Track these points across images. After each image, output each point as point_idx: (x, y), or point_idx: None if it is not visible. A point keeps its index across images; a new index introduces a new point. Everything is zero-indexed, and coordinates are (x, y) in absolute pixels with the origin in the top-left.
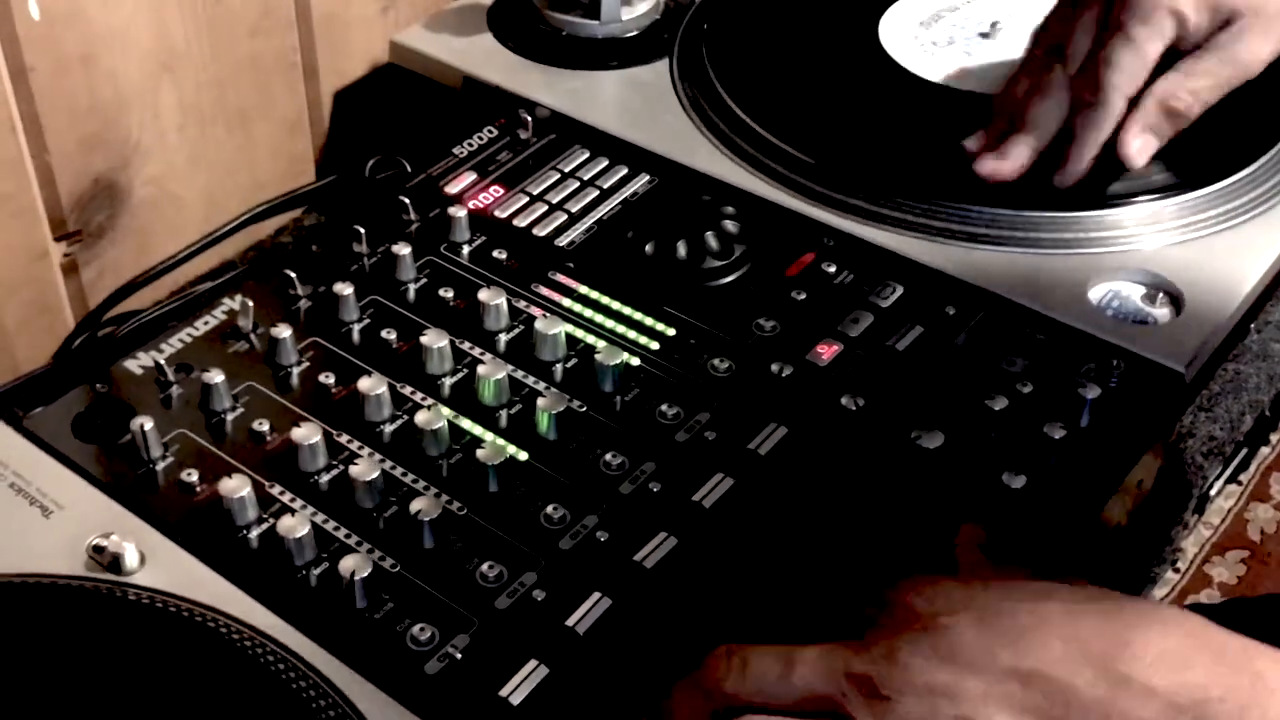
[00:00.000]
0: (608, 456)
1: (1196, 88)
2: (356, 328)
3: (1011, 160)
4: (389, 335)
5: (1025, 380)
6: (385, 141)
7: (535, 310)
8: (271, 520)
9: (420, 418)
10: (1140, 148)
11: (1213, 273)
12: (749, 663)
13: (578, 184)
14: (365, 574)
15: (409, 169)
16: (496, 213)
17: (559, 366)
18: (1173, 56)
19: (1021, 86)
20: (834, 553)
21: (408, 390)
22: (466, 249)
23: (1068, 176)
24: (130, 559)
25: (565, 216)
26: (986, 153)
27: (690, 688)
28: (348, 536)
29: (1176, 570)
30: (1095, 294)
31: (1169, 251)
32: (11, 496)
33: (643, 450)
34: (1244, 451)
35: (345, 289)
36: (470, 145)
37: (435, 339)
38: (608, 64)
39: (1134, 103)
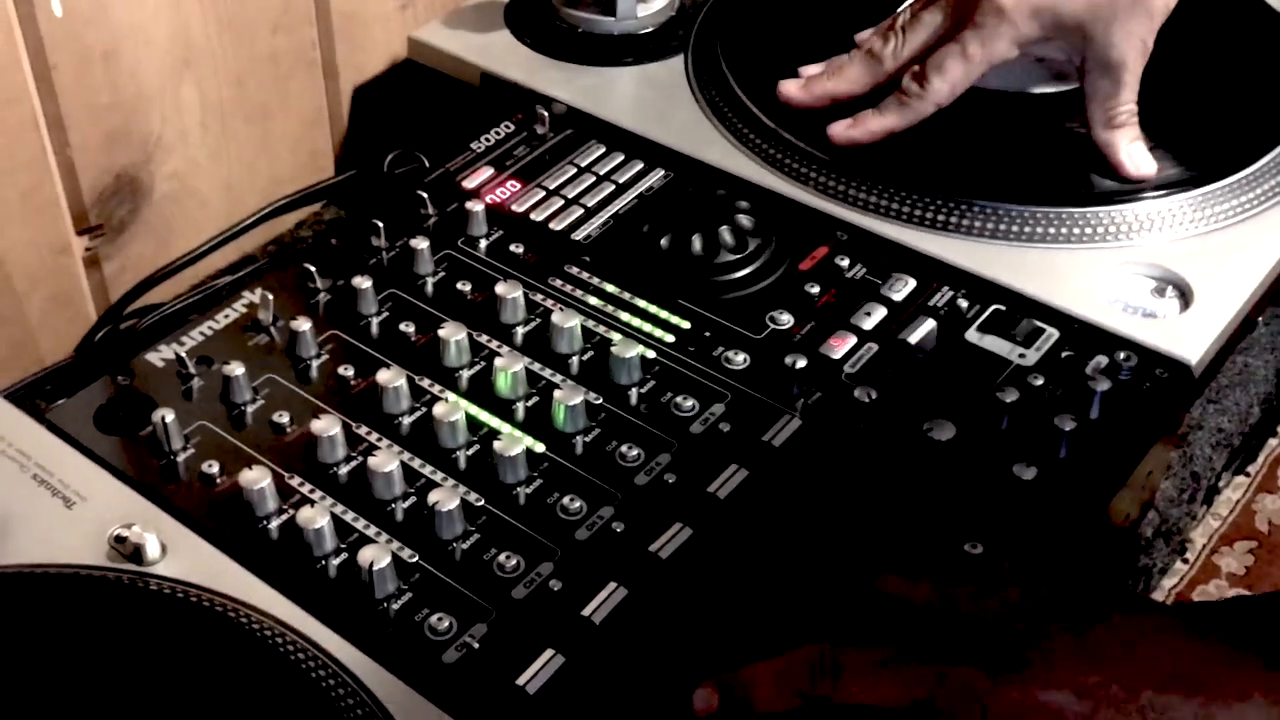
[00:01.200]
0: (623, 448)
1: (1128, 57)
2: (375, 321)
3: (802, 91)
4: (407, 328)
5: (1036, 373)
6: (403, 137)
7: (552, 303)
8: (291, 511)
9: (438, 410)
10: (1138, 155)
11: (1220, 267)
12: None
13: (594, 179)
14: (384, 564)
15: (427, 164)
16: (513, 207)
17: (575, 359)
18: None
19: (865, 45)
20: (846, 543)
21: (426, 382)
22: (484, 243)
23: (842, 135)
24: (152, 549)
25: (581, 211)
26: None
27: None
28: (366, 527)
29: (1185, 560)
30: (1105, 288)
31: (1177, 246)
32: (34, 488)
33: (658, 442)
34: (1252, 443)
35: (364, 282)
36: (488, 140)
37: (453, 332)
38: (623, 60)
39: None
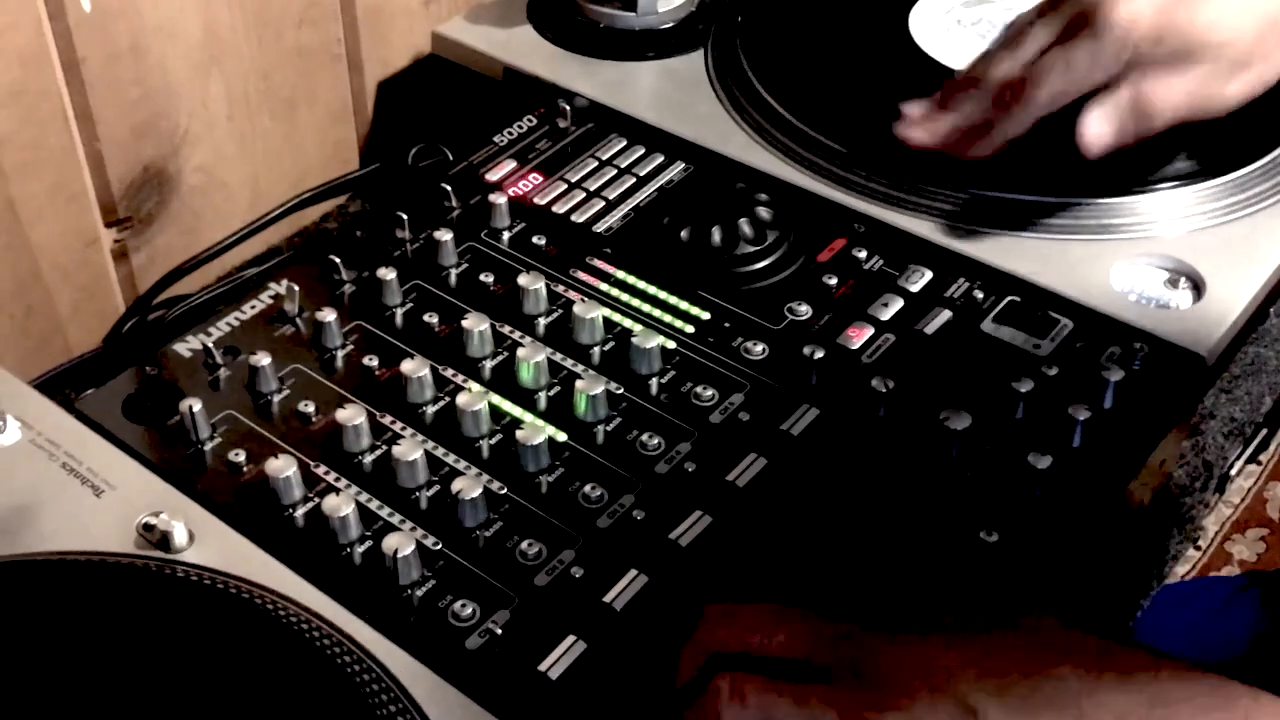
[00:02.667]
0: (644, 437)
1: (1171, 102)
2: (399, 312)
3: (925, 133)
4: (431, 319)
5: (1051, 363)
6: (427, 130)
7: (573, 294)
8: (317, 499)
9: (461, 399)
10: (1097, 132)
11: (1232, 258)
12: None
13: (615, 171)
14: (408, 552)
15: (450, 157)
16: (536, 199)
17: (597, 349)
18: None
19: (977, 71)
20: (864, 531)
21: (449, 372)
22: (506, 235)
23: (966, 152)
24: (179, 537)
25: (603, 203)
26: (913, 120)
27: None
28: (391, 515)
29: (1198, 548)
30: (1118, 279)
31: (1190, 238)
32: (64, 476)
33: (678, 431)
34: (1264, 432)
35: (388, 274)
36: (510, 134)
37: (476, 323)
38: (644, 55)
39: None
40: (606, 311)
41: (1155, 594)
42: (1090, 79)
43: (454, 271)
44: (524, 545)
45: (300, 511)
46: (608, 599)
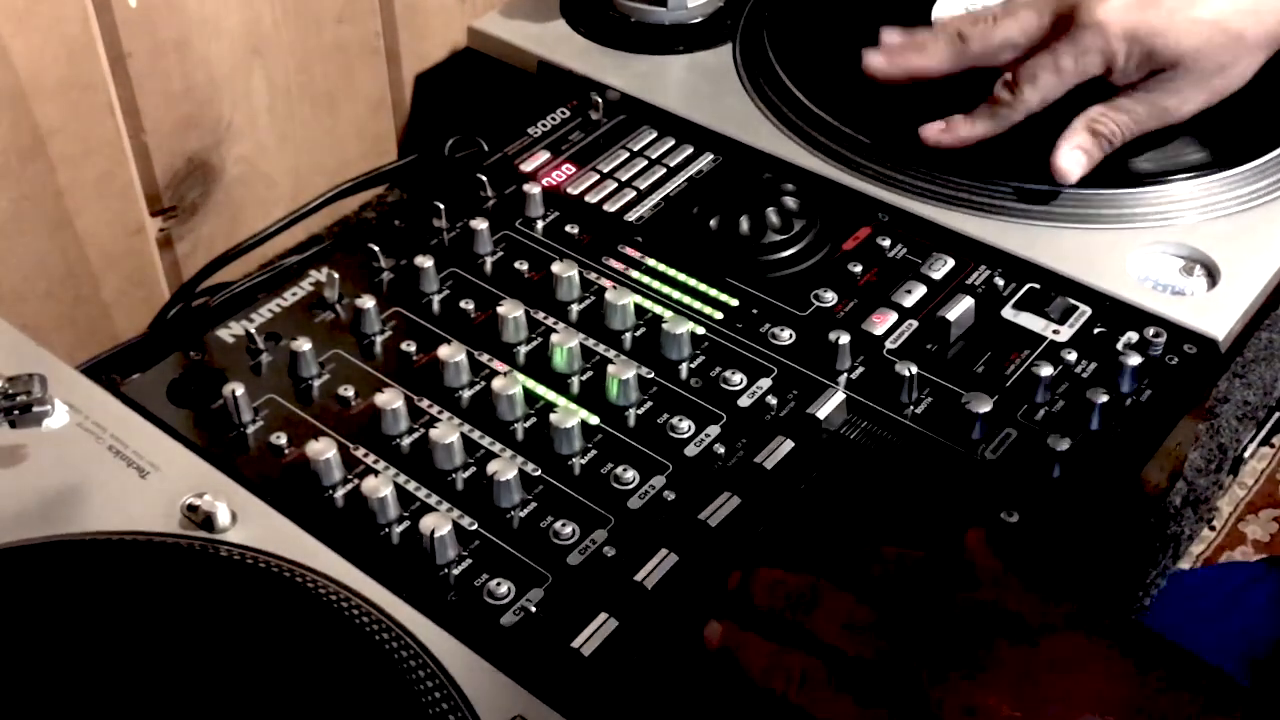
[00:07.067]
0: (674, 420)
1: (1120, 121)
2: (436, 298)
3: (887, 63)
4: (467, 305)
5: (1069, 348)
6: (463, 122)
7: (605, 282)
8: (356, 481)
9: (497, 384)
10: (1070, 162)
11: (1246, 246)
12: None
13: (646, 162)
14: (445, 532)
15: (486, 148)
16: (569, 189)
17: (628, 335)
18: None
19: (950, 25)
20: (887, 510)
21: (485, 358)
22: (540, 224)
23: (934, 139)
24: (222, 517)
25: (634, 193)
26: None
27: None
28: (428, 496)
29: (1212, 528)
30: (1135, 267)
31: (1205, 226)
32: (110, 458)
33: (707, 414)
34: (1276, 415)
35: (426, 262)
36: (544, 125)
37: (511, 309)
38: (674, 49)
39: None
40: (637, 298)
41: (1170, 579)
42: (1070, 83)
43: (489, 259)
44: (557, 525)
45: (340, 493)
46: (639, 578)
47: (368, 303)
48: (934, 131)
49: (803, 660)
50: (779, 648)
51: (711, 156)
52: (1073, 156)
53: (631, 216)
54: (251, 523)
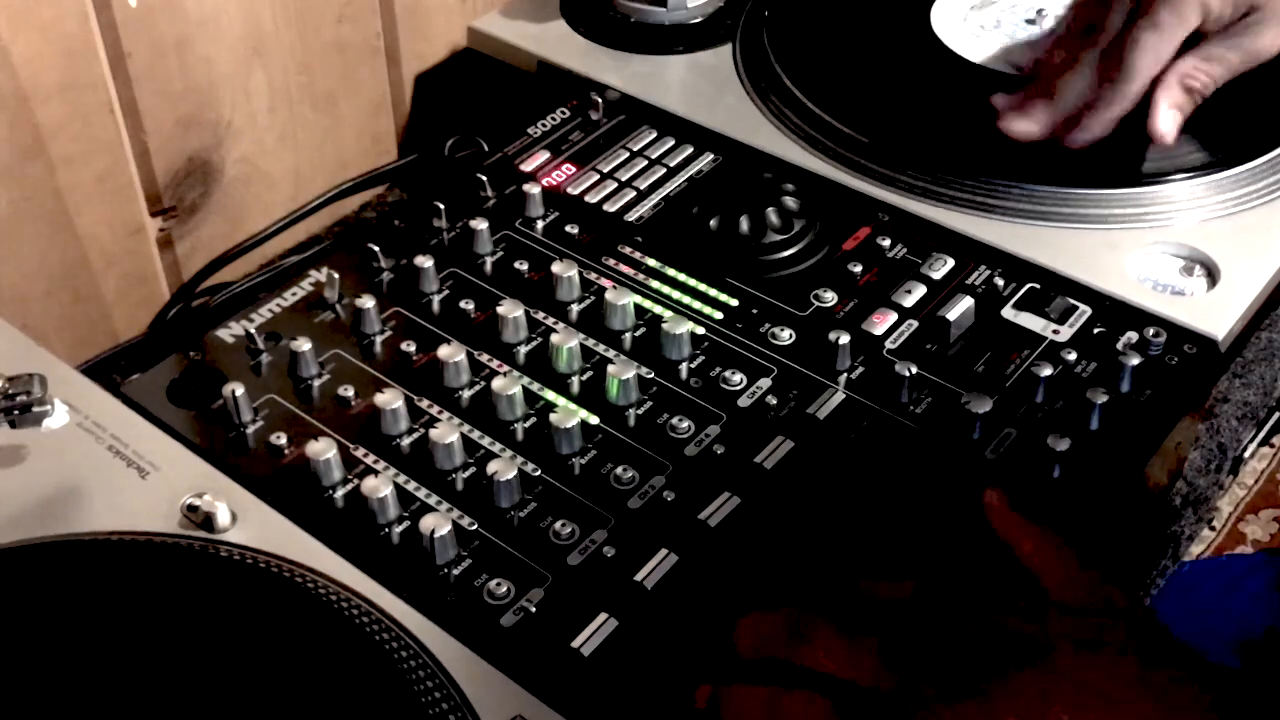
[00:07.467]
0: (674, 420)
1: (1212, 71)
2: (436, 298)
3: (1032, 122)
4: (467, 305)
5: (1069, 348)
6: (463, 122)
7: (605, 281)
8: (356, 481)
9: (497, 384)
10: (1169, 122)
11: (1246, 246)
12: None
13: (645, 162)
14: (444, 532)
15: (486, 148)
16: (569, 189)
17: (628, 335)
18: (1194, 37)
19: (1056, 57)
20: (888, 511)
21: (485, 358)
22: (540, 224)
23: (1077, 140)
24: (222, 517)
25: (634, 193)
26: (1013, 111)
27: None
28: (428, 496)
29: (1212, 528)
30: (1135, 267)
31: (1204, 226)
32: (110, 458)
33: (707, 414)
34: (1276, 415)
35: (426, 262)
36: (544, 125)
37: (511, 309)
38: (674, 49)
39: (1155, 83)
40: (637, 298)
41: (1171, 572)
42: (1178, 37)
43: (489, 259)
44: (557, 525)
45: (340, 493)
46: (639, 578)
47: (368, 303)
48: (1069, 139)
49: (803, 698)
50: (773, 690)
51: (711, 156)
52: (1170, 116)
53: (631, 216)
54: (251, 523)
